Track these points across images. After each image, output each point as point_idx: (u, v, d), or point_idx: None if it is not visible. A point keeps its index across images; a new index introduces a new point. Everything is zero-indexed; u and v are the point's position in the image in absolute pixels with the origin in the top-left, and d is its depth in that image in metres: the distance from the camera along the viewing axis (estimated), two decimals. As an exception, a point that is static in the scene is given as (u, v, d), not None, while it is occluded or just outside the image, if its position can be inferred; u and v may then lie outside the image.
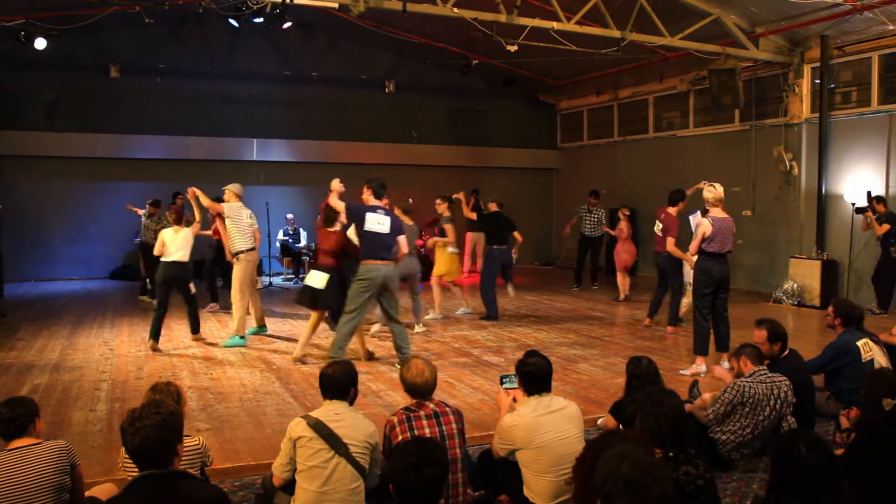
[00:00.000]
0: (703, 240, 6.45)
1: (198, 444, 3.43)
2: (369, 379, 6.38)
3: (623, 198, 12.39)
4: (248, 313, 8.19)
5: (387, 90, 15.33)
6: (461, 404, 5.41)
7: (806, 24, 10.38)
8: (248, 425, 5.12)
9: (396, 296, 6.77)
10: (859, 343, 5.37)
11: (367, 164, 14.19)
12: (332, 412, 3.45)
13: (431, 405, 3.63)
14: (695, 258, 6.77)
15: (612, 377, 6.39)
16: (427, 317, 9.18)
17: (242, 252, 7.89)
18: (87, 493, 3.35)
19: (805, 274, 10.68)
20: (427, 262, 10.78)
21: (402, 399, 4.71)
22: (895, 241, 9.48)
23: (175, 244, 7.67)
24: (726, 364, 6.24)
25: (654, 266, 9.22)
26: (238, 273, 7.92)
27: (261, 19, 11.88)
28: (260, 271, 12.24)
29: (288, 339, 8.20)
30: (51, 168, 13.19)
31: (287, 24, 11.20)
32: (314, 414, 3.45)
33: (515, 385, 3.86)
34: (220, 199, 8.16)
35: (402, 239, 6.73)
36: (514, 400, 3.83)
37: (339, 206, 6.67)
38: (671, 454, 3.00)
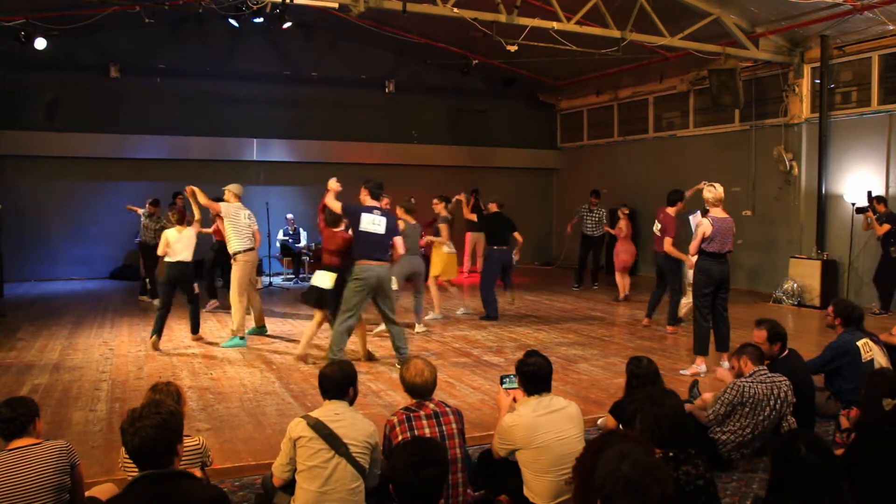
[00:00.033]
0: (703, 240, 6.46)
1: (198, 444, 3.43)
2: (369, 379, 6.38)
3: (623, 198, 12.39)
4: (248, 313, 8.19)
5: (387, 90, 15.32)
6: (461, 404, 5.41)
7: (806, 24, 10.38)
8: (248, 425, 5.12)
9: (392, 296, 6.75)
10: (859, 343, 5.37)
11: (367, 164, 14.20)
12: (332, 412, 3.45)
13: (431, 405, 3.63)
14: (694, 258, 6.78)
15: (612, 377, 6.39)
16: (427, 317, 9.18)
17: (240, 252, 7.88)
18: (87, 493, 3.35)
19: (805, 274, 10.68)
20: (429, 262, 10.78)
21: (402, 399, 4.71)
22: (895, 240, 9.49)
23: (179, 244, 7.70)
24: (726, 364, 6.24)
25: (653, 266, 9.23)
26: (236, 273, 7.91)
27: (261, 19, 11.88)
28: (260, 271, 12.24)
29: (288, 340, 8.20)
30: (51, 168, 13.19)
31: (287, 24, 11.19)
32: (314, 414, 3.45)
33: (515, 385, 3.86)
34: (220, 200, 8.16)
35: (398, 240, 6.73)
36: (514, 400, 3.83)
37: (336, 206, 6.67)
38: (671, 454, 3.00)
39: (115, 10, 10.26)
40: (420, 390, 3.64)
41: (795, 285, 10.66)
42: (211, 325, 9.00)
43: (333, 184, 6.75)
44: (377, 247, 6.51)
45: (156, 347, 7.52)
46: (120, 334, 8.43)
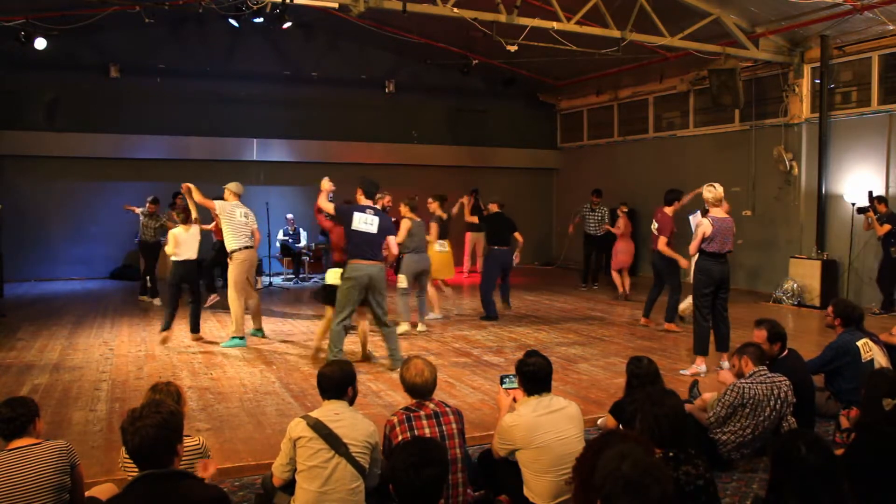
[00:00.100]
0: (703, 240, 6.46)
1: (198, 444, 3.43)
2: (369, 379, 6.38)
3: (623, 198, 12.38)
4: (247, 312, 8.16)
5: (387, 90, 15.32)
6: (461, 404, 5.41)
7: (806, 24, 10.38)
8: (248, 425, 5.12)
9: (386, 296, 6.73)
10: (859, 343, 5.37)
11: (367, 164, 14.21)
12: (332, 412, 3.45)
13: (431, 405, 3.63)
14: (695, 258, 6.78)
15: (612, 377, 6.39)
16: (427, 317, 9.18)
17: (236, 251, 7.84)
18: (87, 493, 3.35)
19: (805, 274, 10.68)
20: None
21: (402, 399, 4.71)
22: (895, 241, 9.49)
23: (187, 243, 7.78)
24: (726, 364, 6.24)
25: (651, 265, 9.24)
26: (232, 272, 7.89)
27: (261, 19, 11.89)
28: (260, 271, 12.26)
29: (288, 340, 8.20)
30: (51, 168, 13.19)
31: (287, 24, 11.19)
32: (314, 414, 3.45)
33: (515, 385, 3.86)
34: (220, 199, 8.15)
35: (391, 239, 6.72)
36: (514, 400, 3.83)
37: (328, 206, 6.69)
38: (671, 454, 3.00)
39: (115, 10, 10.26)
40: (420, 390, 3.65)
41: (795, 285, 10.66)
42: (211, 324, 9.01)
43: (326, 184, 6.75)
44: (369, 246, 6.50)
45: (165, 342, 7.71)
46: (120, 334, 8.43)
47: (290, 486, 3.42)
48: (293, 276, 13.58)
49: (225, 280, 10.60)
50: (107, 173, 13.52)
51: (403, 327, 8.40)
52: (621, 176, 14.63)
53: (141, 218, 10.98)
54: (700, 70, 12.21)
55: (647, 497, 2.04)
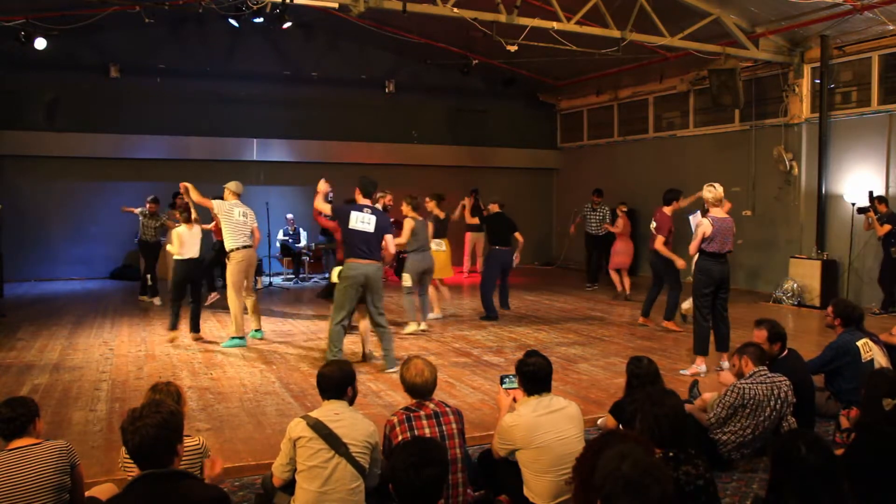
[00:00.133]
0: (703, 240, 6.46)
1: (198, 444, 3.43)
2: (369, 379, 6.39)
3: (623, 198, 12.38)
4: (247, 312, 8.16)
5: (387, 90, 15.32)
6: (461, 404, 5.41)
7: (806, 24, 10.38)
8: (248, 425, 5.12)
9: (382, 296, 6.72)
10: (859, 343, 5.37)
11: (367, 164, 14.20)
12: (332, 412, 3.45)
13: (431, 405, 3.63)
14: (695, 258, 6.78)
15: (612, 377, 6.39)
16: (428, 316, 9.17)
17: (233, 250, 7.81)
18: (87, 493, 3.35)
19: (805, 274, 10.68)
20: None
21: (402, 399, 4.71)
22: (895, 241, 9.48)
23: (191, 241, 7.83)
24: (726, 364, 6.25)
25: (649, 265, 9.25)
26: (229, 273, 7.88)
27: (261, 19, 11.88)
28: (260, 271, 12.26)
29: (288, 340, 8.20)
30: (51, 168, 13.19)
31: (287, 24, 11.19)
32: (314, 414, 3.46)
33: (515, 385, 3.86)
34: (220, 198, 8.15)
35: (388, 238, 6.71)
36: (514, 400, 3.83)
37: (325, 207, 6.70)
38: (671, 454, 3.00)
39: (115, 10, 10.26)
40: (420, 390, 3.65)
41: (795, 285, 10.66)
42: (211, 324, 9.00)
43: (322, 185, 6.77)
44: (366, 245, 6.50)
45: (173, 341, 7.80)
46: (120, 334, 8.43)
47: (290, 486, 3.42)
48: (293, 276, 13.58)
49: (225, 280, 10.63)
50: (107, 173, 13.52)
51: (412, 327, 8.43)
52: (621, 176, 14.63)
53: (140, 218, 10.98)
54: (700, 70, 12.21)
55: (647, 497, 2.04)
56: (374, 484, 3.44)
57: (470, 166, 15.83)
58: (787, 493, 2.41)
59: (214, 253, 10.27)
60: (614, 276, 11.38)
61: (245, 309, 8.00)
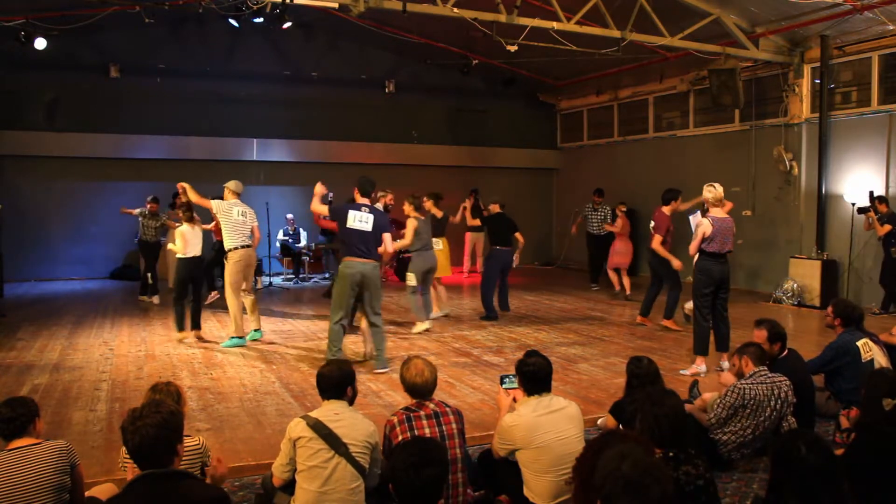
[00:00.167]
0: (703, 240, 6.46)
1: (198, 444, 3.43)
2: (369, 379, 6.38)
3: (623, 198, 12.39)
4: (245, 312, 8.13)
5: (387, 90, 15.32)
6: (461, 404, 5.41)
7: (806, 24, 10.38)
8: (248, 425, 5.12)
9: (380, 296, 6.71)
10: (859, 343, 5.37)
11: (367, 164, 14.20)
12: (332, 412, 3.45)
13: (431, 405, 3.63)
14: (695, 258, 6.78)
15: (612, 377, 6.39)
16: (432, 315, 9.17)
17: (231, 250, 7.80)
18: (87, 493, 3.35)
19: (805, 274, 10.68)
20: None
21: (402, 399, 4.71)
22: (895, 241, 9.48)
23: (194, 240, 7.87)
24: (726, 364, 6.25)
25: (648, 264, 9.25)
26: (227, 272, 7.86)
27: (261, 19, 11.88)
28: (259, 271, 12.25)
29: (287, 341, 8.19)
30: (51, 168, 13.19)
31: (287, 24, 11.19)
32: (314, 414, 3.46)
33: (515, 385, 3.86)
34: (219, 198, 8.15)
35: (387, 236, 6.71)
36: (514, 400, 3.83)
37: (322, 209, 6.71)
38: (671, 454, 3.00)
39: (115, 10, 10.25)
40: (420, 390, 3.65)
41: (795, 285, 10.66)
42: (211, 324, 9.00)
43: (319, 188, 6.78)
44: (364, 243, 6.50)
45: (182, 340, 7.85)
46: (120, 334, 8.43)
47: (290, 486, 3.42)
48: (293, 276, 13.58)
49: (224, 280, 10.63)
50: (107, 173, 13.52)
51: (425, 325, 8.44)
52: (621, 176, 14.63)
53: (140, 218, 10.98)
54: (700, 70, 12.21)
55: (647, 497, 2.04)
56: (374, 484, 3.44)
57: (470, 166, 15.83)
58: (787, 493, 2.41)
59: (214, 253, 10.26)
60: (612, 276, 11.42)
61: (244, 309, 7.99)
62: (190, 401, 5.43)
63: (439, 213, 9.67)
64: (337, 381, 3.55)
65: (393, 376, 6.29)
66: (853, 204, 10.15)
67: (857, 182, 10.31)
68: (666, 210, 8.65)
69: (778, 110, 11.47)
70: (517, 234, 9.57)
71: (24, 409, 3.24)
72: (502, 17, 9.34)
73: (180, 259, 7.87)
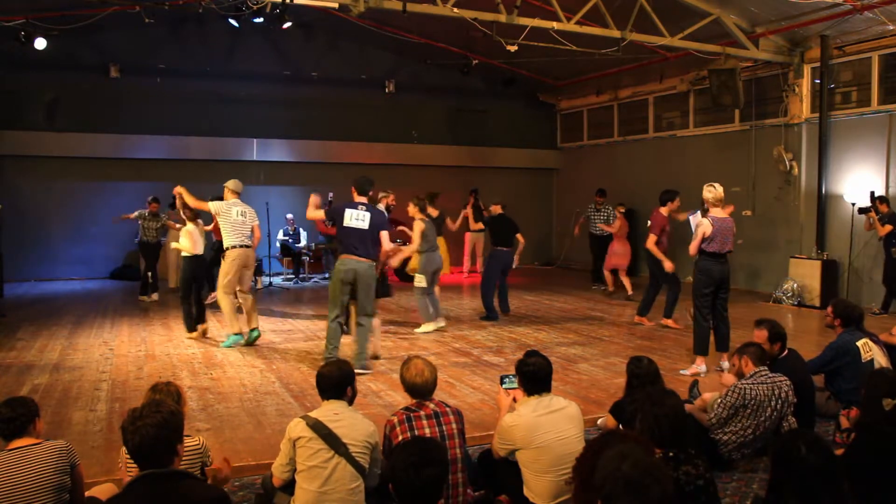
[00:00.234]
0: (703, 240, 6.46)
1: (198, 444, 3.43)
2: (369, 379, 6.38)
3: (623, 198, 12.40)
4: (241, 312, 8.09)
5: (387, 90, 15.32)
6: (461, 404, 5.41)
7: (806, 24, 10.38)
8: (248, 425, 5.12)
9: (373, 296, 6.70)
10: (859, 343, 5.37)
11: (367, 164, 14.20)
12: (332, 412, 3.45)
13: (431, 405, 3.63)
14: (693, 258, 6.78)
15: (612, 377, 6.39)
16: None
17: (228, 248, 7.77)
18: (87, 493, 3.35)
19: (805, 274, 10.68)
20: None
21: (402, 399, 4.71)
22: (896, 241, 9.49)
23: (199, 239, 7.96)
24: (726, 364, 6.25)
25: (646, 264, 9.25)
26: (221, 268, 7.80)
27: (261, 19, 11.88)
28: (259, 271, 12.25)
29: (287, 341, 8.19)
30: (51, 168, 13.19)
31: (287, 24, 11.19)
32: (313, 414, 3.45)
33: (515, 385, 3.86)
34: (219, 198, 8.14)
35: (384, 235, 6.69)
36: (514, 400, 3.83)
37: (318, 214, 6.80)
38: (671, 454, 3.00)
39: (115, 10, 10.26)
40: (420, 390, 3.65)
41: (795, 285, 10.66)
42: (210, 324, 8.97)
43: (314, 199, 6.88)
44: (360, 242, 6.50)
45: (191, 339, 7.98)
46: (120, 334, 8.43)
47: (290, 486, 3.42)
48: (293, 277, 13.57)
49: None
50: (107, 173, 13.52)
51: (430, 326, 8.46)
52: (621, 176, 14.63)
53: (140, 220, 10.98)
54: (700, 70, 12.21)
55: (647, 497, 2.04)
56: (374, 484, 3.44)
57: (470, 166, 15.83)
58: (787, 493, 2.40)
59: (213, 253, 10.25)
60: (608, 277, 11.43)
61: (240, 309, 7.97)
62: (190, 401, 5.43)
63: (435, 213, 9.70)
64: (336, 381, 3.55)
65: (393, 376, 6.29)
66: (853, 204, 10.15)
67: (857, 182, 10.31)
68: (663, 210, 8.66)
69: (778, 110, 11.47)
70: (518, 236, 9.57)
71: (24, 409, 3.24)
72: (502, 17, 9.34)
73: (185, 258, 7.93)
